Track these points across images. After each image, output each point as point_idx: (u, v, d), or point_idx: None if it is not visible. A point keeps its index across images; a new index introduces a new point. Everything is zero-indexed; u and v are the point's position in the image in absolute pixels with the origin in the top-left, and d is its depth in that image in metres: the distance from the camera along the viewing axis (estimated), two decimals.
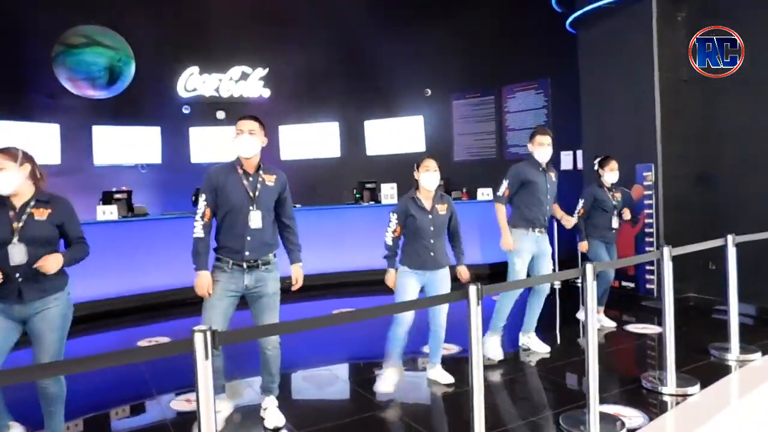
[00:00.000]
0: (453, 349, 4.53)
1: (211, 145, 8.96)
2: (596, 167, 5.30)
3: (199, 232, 3.19)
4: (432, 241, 3.79)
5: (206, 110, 9.24)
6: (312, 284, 7.11)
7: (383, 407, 3.63)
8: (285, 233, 3.42)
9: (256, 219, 3.18)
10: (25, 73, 7.77)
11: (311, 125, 9.61)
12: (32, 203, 2.79)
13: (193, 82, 9.20)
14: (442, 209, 3.85)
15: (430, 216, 3.80)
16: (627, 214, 5.33)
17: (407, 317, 3.76)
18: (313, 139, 9.60)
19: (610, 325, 5.25)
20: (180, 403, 3.70)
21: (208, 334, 2.05)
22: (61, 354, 2.83)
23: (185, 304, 6.12)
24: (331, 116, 9.67)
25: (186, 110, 9.15)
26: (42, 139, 7.89)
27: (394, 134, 9.59)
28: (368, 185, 8.23)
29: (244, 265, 3.17)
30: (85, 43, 6.98)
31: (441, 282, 3.85)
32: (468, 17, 8.87)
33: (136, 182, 8.23)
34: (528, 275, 4.47)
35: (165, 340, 5.23)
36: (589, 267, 3.12)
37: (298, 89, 9.48)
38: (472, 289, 2.62)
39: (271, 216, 3.29)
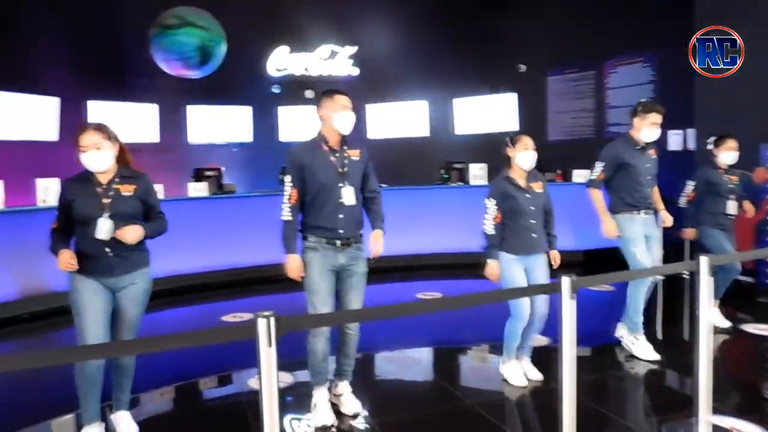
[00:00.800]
0: (542, 340, 4.20)
1: (299, 124, 8.99)
2: (710, 147, 4.72)
3: (287, 215, 3.05)
4: (533, 221, 3.51)
5: (295, 89, 9.27)
6: (395, 265, 7.05)
7: (463, 399, 3.40)
8: (370, 204, 3.25)
9: (348, 195, 3.05)
10: (126, 55, 8.08)
11: (399, 104, 9.42)
12: (117, 179, 2.86)
13: (283, 61, 9.25)
14: (538, 187, 3.56)
15: (528, 195, 3.51)
16: (750, 211, 4.71)
17: (526, 311, 3.45)
18: (401, 118, 9.41)
19: (724, 324, 4.70)
20: (257, 382, 3.65)
21: (272, 320, 1.93)
22: (138, 326, 2.92)
23: (270, 280, 6.15)
24: (419, 94, 9.42)
25: (276, 89, 9.22)
26: (142, 119, 8.22)
27: (484, 113, 9.20)
28: (456, 165, 7.94)
29: (338, 242, 3.05)
30: (178, 24, 7.13)
31: (541, 267, 3.56)
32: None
33: (227, 160, 8.40)
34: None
35: (249, 316, 5.27)
36: (703, 259, 2.71)
37: (387, 67, 9.29)
38: (565, 281, 2.32)
39: (360, 193, 3.17)
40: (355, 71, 9.46)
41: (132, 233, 2.77)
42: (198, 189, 6.46)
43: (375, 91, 9.34)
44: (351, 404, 3.23)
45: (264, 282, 6.26)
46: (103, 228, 2.75)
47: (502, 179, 3.56)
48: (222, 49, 7.69)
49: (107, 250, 2.78)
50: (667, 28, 7.20)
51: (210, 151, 8.60)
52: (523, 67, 9.04)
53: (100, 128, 2.82)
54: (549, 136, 8.89)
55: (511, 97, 9.06)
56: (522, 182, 3.53)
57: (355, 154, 3.14)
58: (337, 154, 3.08)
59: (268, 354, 1.94)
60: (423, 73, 9.28)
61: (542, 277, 3.53)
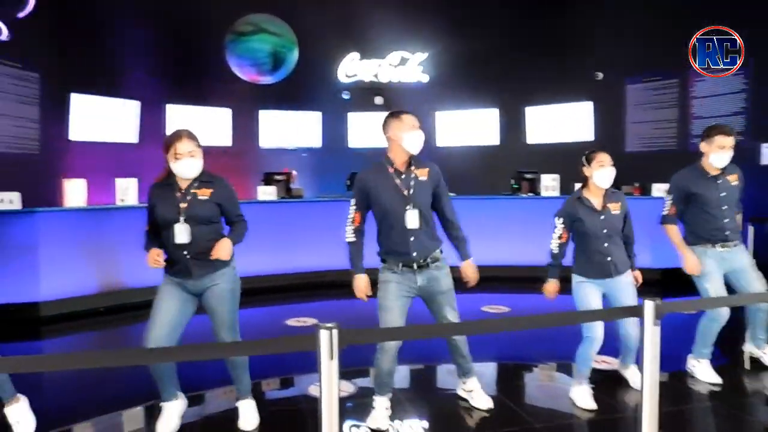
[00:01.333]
0: (613, 363, 3.96)
1: (368, 130, 9.00)
2: None
3: (350, 236, 3.09)
4: (606, 244, 3.34)
5: (365, 95, 9.29)
6: (459, 276, 6.86)
7: (529, 421, 3.23)
8: (449, 230, 3.23)
9: (412, 219, 3.00)
10: (203, 61, 8.32)
11: (469, 111, 9.26)
12: (195, 184, 2.94)
13: (354, 67, 9.29)
14: (615, 208, 3.38)
15: (602, 217, 3.35)
16: None
17: (599, 336, 3.28)
18: (471, 126, 9.25)
19: None
20: (318, 389, 3.61)
21: (334, 332, 1.87)
22: (236, 323, 3.01)
23: (335, 285, 6.17)
24: (490, 102, 9.23)
25: (346, 95, 9.27)
26: (216, 123, 8.45)
27: (558, 122, 8.91)
28: (527, 175, 7.71)
29: (414, 265, 3.02)
30: (252, 31, 7.29)
31: (624, 289, 3.38)
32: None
33: (297, 165, 8.51)
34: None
35: (313, 321, 5.28)
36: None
37: (457, 74, 9.17)
38: (649, 305, 2.15)
39: (430, 212, 3.11)
40: (425, 78, 9.38)
41: (225, 250, 2.87)
42: (267, 193, 6.56)
43: (444, 98, 9.23)
44: (482, 399, 3.31)
45: (330, 287, 6.28)
46: (181, 232, 2.85)
47: (573, 199, 3.42)
48: (294, 56, 7.80)
49: (185, 253, 2.87)
50: (763, 29, 6.72)
51: (280, 155, 8.74)
52: (599, 75, 8.69)
53: (192, 136, 2.91)
54: (627, 146, 8.49)
55: (587, 105, 8.73)
56: (597, 202, 3.37)
57: (423, 174, 3.07)
58: (403, 176, 3.04)
59: (329, 367, 1.89)
60: (494, 80, 9.09)
61: (628, 298, 3.35)
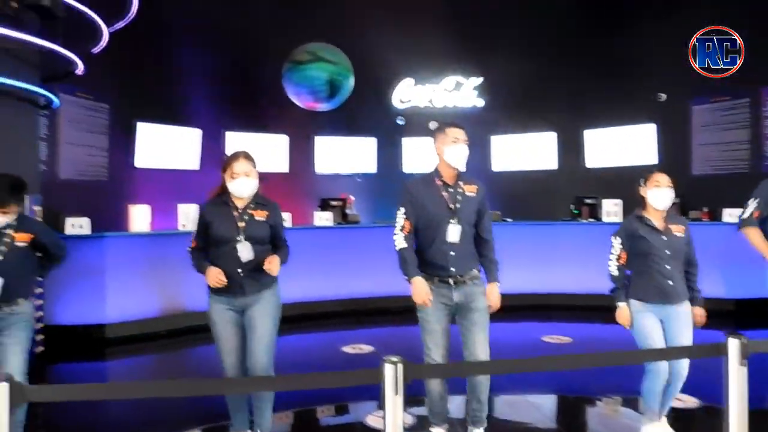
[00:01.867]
0: (688, 401, 3.72)
1: (423, 155, 8.98)
2: None
3: (400, 243, 3.02)
4: (668, 266, 3.14)
5: (419, 121, 9.29)
6: (520, 304, 6.72)
7: None
8: (482, 249, 3.12)
9: (454, 233, 2.97)
10: (261, 89, 8.54)
11: (526, 135, 9.12)
12: (252, 205, 3.03)
13: (408, 93, 9.33)
14: (678, 230, 3.20)
15: (665, 237, 3.16)
16: None
17: (663, 367, 3.09)
18: (528, 150, 9.09)
19: None
20: (375, 419, 3.55)
21: (400, 367, 1.81)
22: (273, 345, 3.00)
23: (390, 312, 6.12)
24: (547, 125, 9.06)
25: (400, 121, 9.30)
26: (273, 149, 8.62)
27: (619, 145, 8.65)
28: (588, 200, 7.48)
29: (451, 281, 2.96)
30: (309, 59, 7.46)
31: (682, 319, 3.16)
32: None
33: (352, 190, 8.55)
34: None
35: (368, 348, 5.24)
36: None
37: (513, 98, 9.05)
38: (734, 344, 2.00)
39: (472, 229, 3.06)
40: (480, 102, 9.32)
41: (276, 265, 2.95)
42: (323, 218, 6.61)
43: (500, 122, 9.13)
44: None
45: (385, 313, 6.23)
46: (244, 251, 2.92)
47: (633, 217, 3.26)
48: (350, 83, 7.92)
49: (239, 270, 2.93)
50: None
51: (335, 181, 8.82)
52: (662, 96, 8.41)
53: (249, 157, 3.03)
54: (694, 170, 8.14)
55: (650, 127, 8.44)
56: (658, 223, 3.19)
57: (471, 190, 3.05)
58: (451, 190, 3.02)
59: (394, 402, 1.83)
60: (551, 103, 8.93)
61: (684, 330, 3.14)
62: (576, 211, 7.52)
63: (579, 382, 4.31)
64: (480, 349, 2.94)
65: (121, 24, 5.60)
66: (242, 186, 2.96)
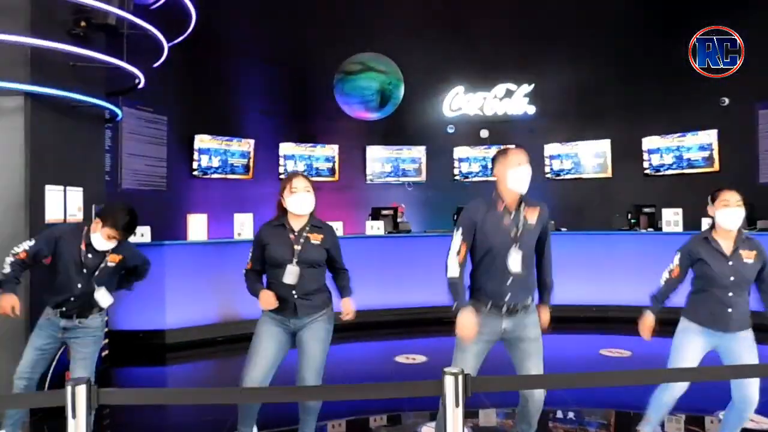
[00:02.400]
0: (761, 422, 3.55)
1: (473, 164, 8.93)
2: None
3: (453, 270, 2.85)
4: (730, 294, 2.96)
5: (470, 129, 9.25)
6: (575, 316, 6.57)
7: None
8: (540, 272, 2.98)
9: (515, 262, 2.81)
10: (312, 100, 8.69)
11: (579, 143, 8.93)
12: (307, 228, 3.06)
13: (458, 101, 9.29)
14: (748, 256, 2.98)
15: (730, 263, 2.98)
16: None
17: (678, 384, 3.01)
18: (582, 158, 8.90)
19: None
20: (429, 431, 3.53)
21: (461, 378, 1.79)
22: (323, 368, 3.00)
23: (442, 322, 6.06)
24: (602, 133, 8.85)
25: (450, 129, 9.27)
26: (324, 160, 8.73)
27: (678, 151, 8.36)
28: (646, 209, 7.26)
29: (503, 309, 2.82)
30: (360, 70, 7.55)
31: (743, 348, 2.97)
32: None
33: (402, 199, 8.57)
34: None
35: (422, 358, 5.21)
36: None
37: (566, 105, 8.91)
38: None
39: (533, 256, 2.91)
40: (532, 109, 9.19)
41: (353, 306, 3.13)
42: (375, 227, 6.63)
43: (553, 130, 8.99)
44: None
45: (437, 323, 6.18)
46: (291, 273, 2.95)
47: (700, 239, 3.09)
48: (400, 92, 7.97)
49: (293, 293, 2.97)
50: None
51: (386, 190, 8.86)
52: (725, 101, 8.09)
53: (306, 177, 3.10)
54: (760, 177, 7.79)
55: (710, 133, 8.13)
56: (726, 246, 3.01)
57: (532, 215, 2.87)
58: (513, 216, 2.85)
59: (454, 415, 1.81)
60: (606, 110, 8.74)
61: (745, 354, 2.96)
62: (633, 221, 7.31)
63: (637, 396, 4.15)
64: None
65: (179, 38, 5.79)
66: (302, 201, 2.99)
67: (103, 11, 4.42)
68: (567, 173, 8.87)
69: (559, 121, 8.98)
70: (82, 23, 4.50)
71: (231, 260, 6.01)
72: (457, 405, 1.80)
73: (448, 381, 1.80)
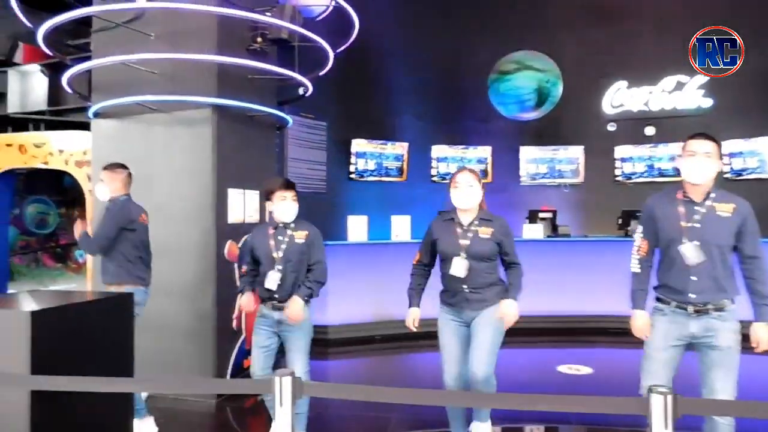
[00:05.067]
0: None
1: (637, 164, 8.32)
2: None
3: (635, 266, 2.80)
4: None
5: (633, 126, 8.61)
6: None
7: None
8: (747, 272, 2.65)
9: (690, 252, 2.58)
10: (465, 102, 8.61)
11: (763, 138, 7.96)
12: (476, 222, 3.08)
13: (620, 97, 8.69)
14: (724, 210, 2.63)
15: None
16: None
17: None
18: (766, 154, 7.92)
19: None
20: None
21: (669, 398, 1.63)
22: (494, 353, 3.04)
23: (607, 332, 5.73)
24: None
25: (611, 127, 8.72)
26: (476, 161, 8.64)
27: None
28: None
29: (689, 308, 2.59)
30: (516, 69, 7.36)
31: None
32: None
33: (558, 201, 8.22)
34: None
35: (586, 369, 4.95)
36: None
37: (747, 97, 7.97)
38: None
39: (726, 253, 2.61)
40: (707, 102, 8.35)
41: (512, 309, 3.01)
42: (533, 231, 6.42)
43: (732, 125, 8.08)
44: None
45: (600, 333, 5.85)
46: (458, 266, 3.00)
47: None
48: (558, 90, 7.65)
49: (464, 286, 3.02)
50: None
51: (541, 191, 8.55)
52: None
53: (472, 171, 3.13)
54: None
55: None
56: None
57: (725, 210, 2.59)
58: (695, 207, 2.62)
59: None
60: None
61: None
62: None
63: None
64: (720, 397, 2.48)
65: (342, 48, 6.03)
66: (461, 196, 3.04)
67: (277, 26, 4.74)
68: (751, 172, 7.93)
69: (739, 115, 8.06)
70: (259, 39, 4.86)
71: (387, 261, 6.17)
72: (666, 426, 1.64)
73: (655, 400, 1.65)
